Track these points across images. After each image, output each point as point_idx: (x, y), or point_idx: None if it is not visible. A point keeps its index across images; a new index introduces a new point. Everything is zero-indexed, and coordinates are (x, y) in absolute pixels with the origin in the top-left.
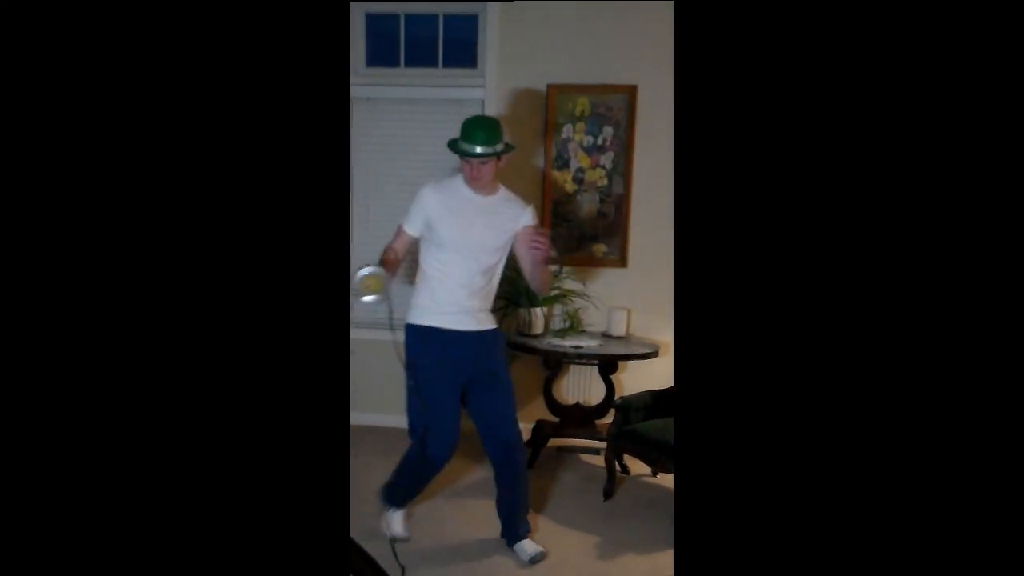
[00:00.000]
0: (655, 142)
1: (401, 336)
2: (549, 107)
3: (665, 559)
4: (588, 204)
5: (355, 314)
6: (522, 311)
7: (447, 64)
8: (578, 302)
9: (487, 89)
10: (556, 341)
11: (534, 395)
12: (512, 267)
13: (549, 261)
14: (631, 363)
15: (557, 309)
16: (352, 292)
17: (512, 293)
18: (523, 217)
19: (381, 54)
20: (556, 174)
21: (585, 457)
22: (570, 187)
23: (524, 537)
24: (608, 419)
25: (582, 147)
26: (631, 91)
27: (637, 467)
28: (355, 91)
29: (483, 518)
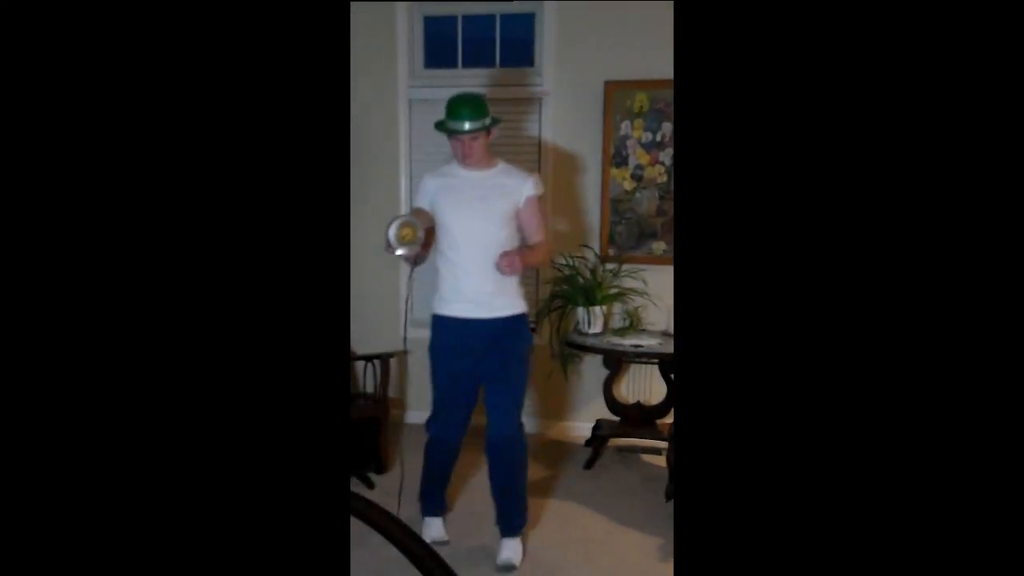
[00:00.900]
0: None
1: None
2: (607, 104)
3: None
4: (647, 201)
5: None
6: (580, 310)
7: (504, 64)
8: (637, 300)
9: (545, 87)
10: (616, 340)
11: (594, 394)
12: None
13: (523, 272)
14: None
15: (616, 308)
16: (388, 245)
17: (569, 292)
18: (525, 187)
19: (439, 55)
20: (614, 171)
21: (646, 457)
22: (629, 184)
23: (513, 535)
24: (669, 418)
25: (640, 144)
26: None
27: None
28: (413, 93)
29: (572, 519)
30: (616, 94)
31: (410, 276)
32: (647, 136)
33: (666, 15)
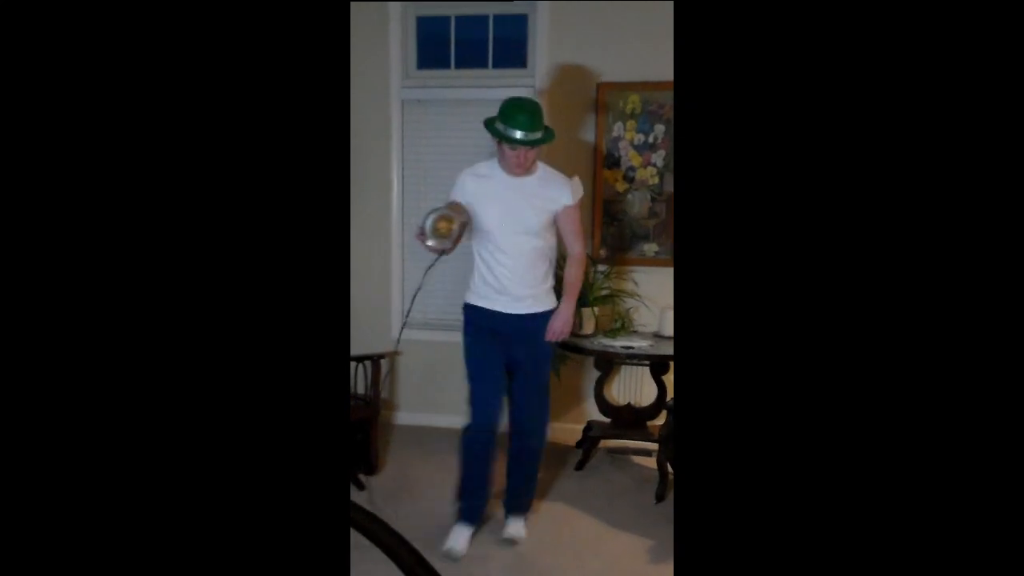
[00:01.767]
0: None
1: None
2: (599, 105)
3: None
4: (639, 203)
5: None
6: None
7: (497, 65)
8: (629, 302)
9: (537, 88)
10: (607, 341)
11: (585, 396)
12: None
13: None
14: None
15: (608, 309)
16: (421, 233)
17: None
18: (563, 196)
19: (432, 56)
20: (607, 173)
21: (637, 459)
22: (621, 186)
23: (520, 513)
24: (660, 420)
25: (633, 145)
26: None
27: None
28: (406, 93)
29: (566, 523)
30: (609, 95)
31: (431, 265)
32: (639, 138)
33: (660, 16)
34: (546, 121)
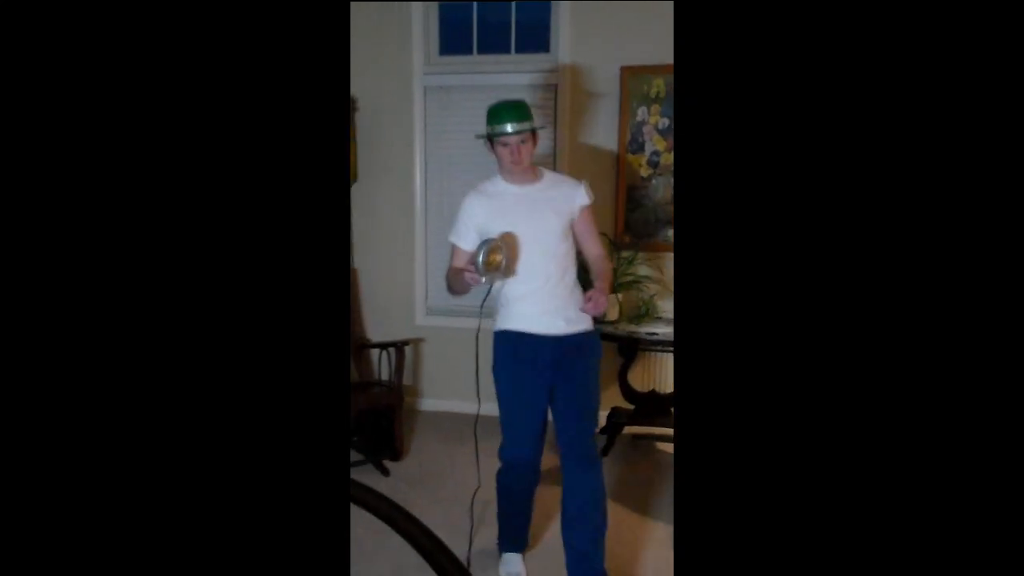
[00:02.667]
0: None
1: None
2: (623, 90)
3: None
4: (663, 188)
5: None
6: None
7: (520, 50)
8: (653, 288)
9: (560, 73)
10: (631, 328)
11: (609, 382)
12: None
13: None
14: None
15: (632, 295)
16: (480, 271)
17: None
18: (577, 197)
19: (454, 42)
20: (630, 158)
21: (661, 445)
22: (645, 171)
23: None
24: None
25: (657, 130)
26: None
27: None
28: (428, 80)
29: None
30: (632, 79)
31: (488, 293)
32: (664, 122)
33: None
34: (568, 106)
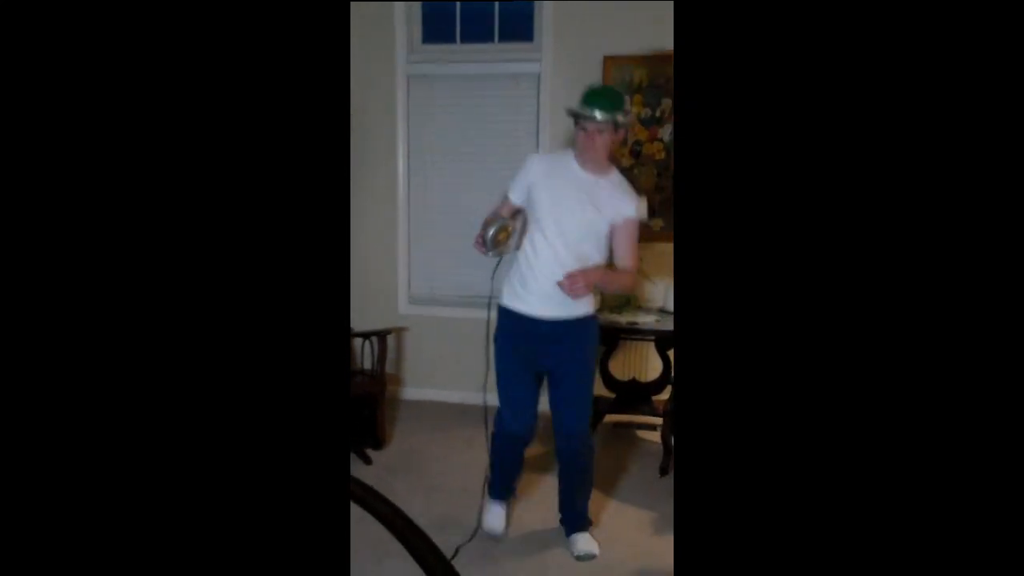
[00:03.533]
0: None
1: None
2: (606, 79)
3: None
4: (645, 178)
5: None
6: None
7: (503, 39)
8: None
9: (543, 63)
10: (612, 316)
11: None
12: None
13: (588, 292)
14: None
15: None
16: (483, 243)
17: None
18: (626, 207)
19: (437, 31)
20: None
21: (641, 433)
22: (627, 161)
23: (582, 530)
24: (665, 395)
25: (639, 119)
26: None
27: None
28: (411, 69)
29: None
30: (615, 69)
31: (496, 268)
32: (646, 112)
33: None
34: (550, 96)
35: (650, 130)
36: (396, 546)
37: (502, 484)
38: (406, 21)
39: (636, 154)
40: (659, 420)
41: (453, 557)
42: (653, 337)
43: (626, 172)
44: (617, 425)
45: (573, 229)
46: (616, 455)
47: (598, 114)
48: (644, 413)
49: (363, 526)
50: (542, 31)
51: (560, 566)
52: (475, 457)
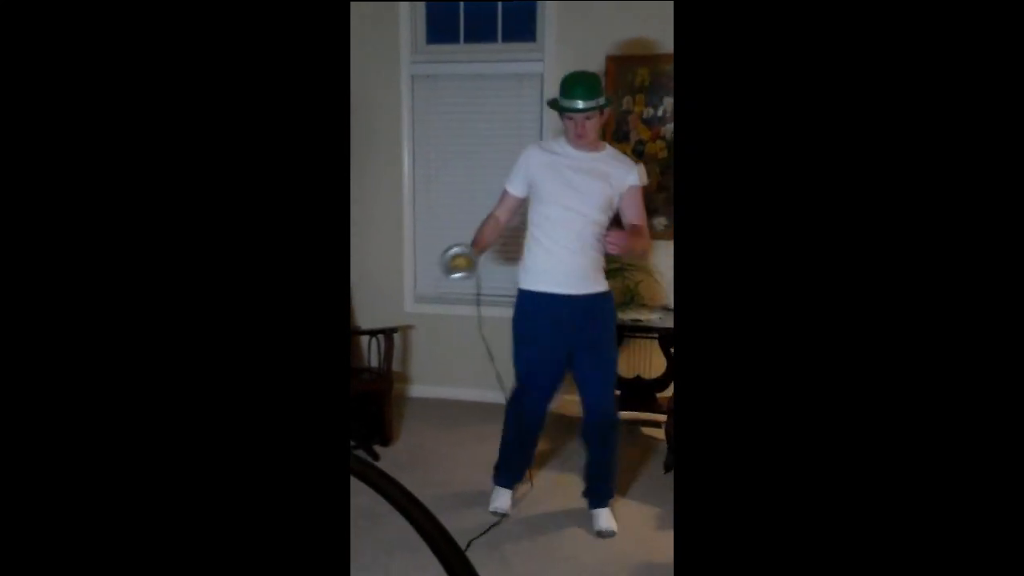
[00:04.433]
0: None
1: (487, 312)
2: (608, 79)
3: None
4: (648, 176)
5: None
6: None
7: (506, 39)
8: (638, 275)
9: (546, 63)
10: (617, 314)
11: None
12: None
13: (626, 251)
14: None
15: (617, 282)
16: (442, 269)
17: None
18: (629, 176)
19: (441, 31)
20: (615, 146)
21: (646, 430)
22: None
23: (603, 506)
24: (669, 392)
25: (642, 119)
26: None
27: None
28: (416, 69)
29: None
30: (618, 69)
31: (477, 288)
32: (648, 111)
33: None
34: (554, 95)
35: (653, 129)
36: (404, 538)
37: (514, 469)
38: (410, 21)
39: (639, 153)
40: (663, 417)
41: (466, 549)
42: (657, 335)
43: None
44: (622, 422)
45: (580, 208)
46: (621, 452)
47: (580, 104)
48: (649, 410)
49: (370, 520)
50: (545, 31)
51: (567, 559)
52: (482, 453)
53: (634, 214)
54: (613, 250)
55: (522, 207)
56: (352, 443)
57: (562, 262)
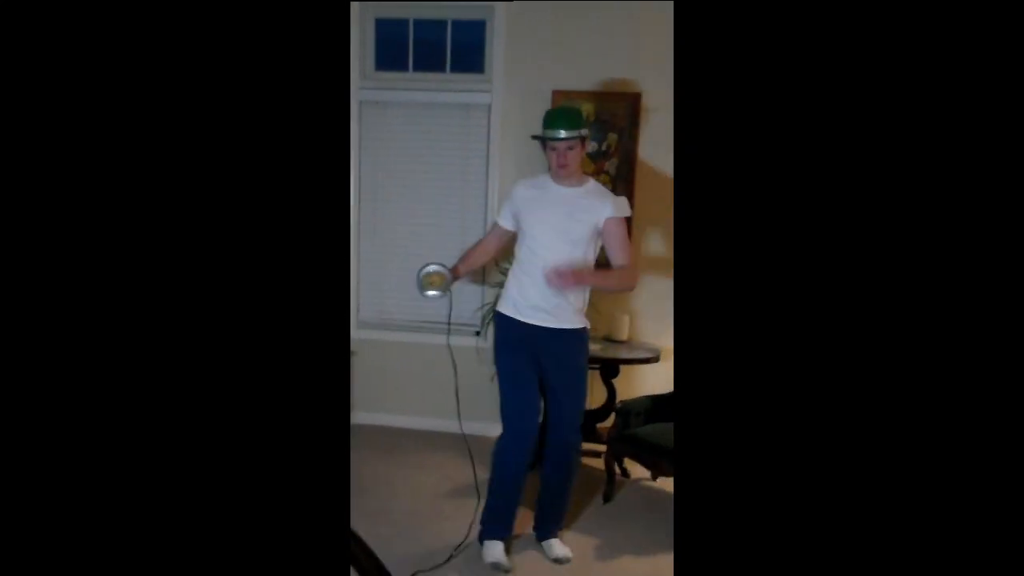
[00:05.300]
0: (659, 149)
1: (457, 341)
2: None
3: (664, 561)
4: None
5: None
6: None
7: (455, 69)
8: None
9: (494, 94)
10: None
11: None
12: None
13: (586, 284)
14: (632, 367)
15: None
16: (417, 286)
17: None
18: (605, 209)
19: (390, 58)
20: None
21: (586, 460)
22: None
23: (554, 536)
24: (609, 423)
25: (586, 153)
26: (635, 98)
27: (637, 471)
28: (364, 95)
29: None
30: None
31: (450, 304)
32: (592, 146)
33: (615, 26)
34: (500, 127)
35: (596, 163)
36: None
37: (501, 519)
38: (360, 46)
39: None
40: (603, 447)
41: None
42: (598, 366)
43: None
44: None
45: (560, 243)
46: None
47: (563, 133)
48: (588, 440)
49: None
50: (493, 63)
51: None
52: (424, 481)
53: (615, 248)
54: (552, 284)
55: (512, 239)
56: None
57: (538, 295)
